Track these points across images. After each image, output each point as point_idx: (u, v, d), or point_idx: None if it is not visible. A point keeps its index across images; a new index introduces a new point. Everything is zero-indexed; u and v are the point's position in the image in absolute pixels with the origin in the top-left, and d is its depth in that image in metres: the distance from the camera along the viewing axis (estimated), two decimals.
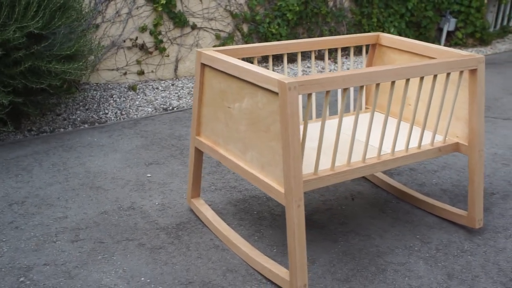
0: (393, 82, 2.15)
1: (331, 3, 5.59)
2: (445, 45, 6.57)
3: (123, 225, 2.54)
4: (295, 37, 5.36)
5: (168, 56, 4.71)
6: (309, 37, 5.44)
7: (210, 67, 2.29)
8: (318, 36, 5.51)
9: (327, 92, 1.98)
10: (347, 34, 5.73)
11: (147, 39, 4.58)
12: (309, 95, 1.96)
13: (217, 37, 4.94)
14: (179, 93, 4.48)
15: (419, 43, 2.62)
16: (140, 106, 4.17)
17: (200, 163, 2.58)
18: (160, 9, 4.47)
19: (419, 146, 2.38)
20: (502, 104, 4.50)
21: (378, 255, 2.37)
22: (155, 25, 4.55)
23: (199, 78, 2.37)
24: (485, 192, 2.96)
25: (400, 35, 6.03)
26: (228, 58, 2.17)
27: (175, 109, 4.17)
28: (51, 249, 2.34)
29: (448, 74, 2.31)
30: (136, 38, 4.51)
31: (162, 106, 4.20)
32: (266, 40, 5.11)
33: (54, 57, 3.30)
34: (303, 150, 2.01)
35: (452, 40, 6.57)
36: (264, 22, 5.14)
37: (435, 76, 2.27)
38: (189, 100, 4.35)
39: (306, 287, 2.02)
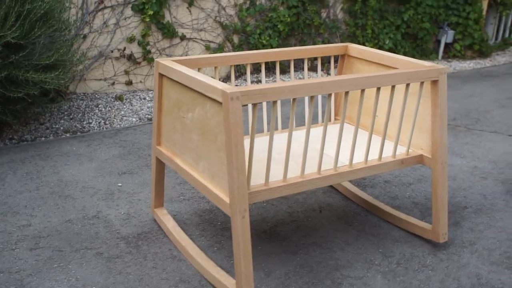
0: (346, 93, 2.13)
1: (324, 14, 5.58)
2: (443, 57, 6.52)
3: (85, 234, 2.54)
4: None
5: None
6: None
7: (167, 77, 2.29)
8: None
9: (274, 102, 1.97)
10: None
11: (135, 50, 4.61)
12: (254, 105, 1.95)
13: (207, 47, 4.95)
14: None
15: (386, 54, 2.60)
16: (125, 116, 4.19)
17: (162, 173, 2.58)
18: (147, 20, 4.50)
19: (380, 157, 2.36)
20: (492, 116, 4.44)
21: (336, 268, 2.34)
22: (143, 36, 4.58)
23: (157, 88, 2.38)
24: (458, 206, 2.91)
25: (395, 47, 6.00)
26: (181, 68, 2.17)
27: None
28: (9, 256, 2.35)
29: (408, 85, 2.29)
30: (124, 49, 4.55)
31: (147, 116, 4.22)
32: None
33: (33, 66, 3.33)
34: (251, 161, 1.99)
35: (450, 52, 6.52)
36: (255, 33, 5.15)
37: (393, 86, 2.25)
38: None
39: None
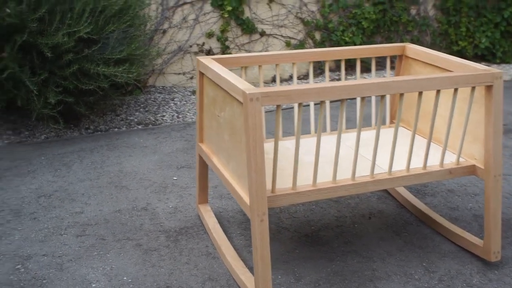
0: (382, 97, 2.03)
1: (414, 11, 5.34)
2: None
3: (130, 224, 2.62)
4: None
5: None
6: None
7: (206, 75, 2.30)
8: None
9: (299, 104, 1.91)
10: (431, 44, 5.45)
11: (214, 45, 4.68)
12: (278, 106, 1.91)
13: (287, 44, 4.92)
14: None
15: (442, 56, 2.44)
16: None
17: (205, 170, 2.59)
18: (226, 15, 4.55)
19: (424, 166, 2.22)
20: None
21: (371, 279, 2.23)
22: (222, 31, 4.64)
23: (199, 86, 2.39)
24: None
25: (493, 46, 5.61)
26: (215, 67, 2.17)
27: None
28: (56, 241, 2.48)
29: (456, 90, 2.13)
30: (203, 44, 4.63)
31: None
32: None
33: (105, 60, 3.48)
34: (275, 164, 1.95)
35: None
36: (338, 30, 5.04)
37: (438, 91, 2.10)
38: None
39: None
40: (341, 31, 5.05)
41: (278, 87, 1.87)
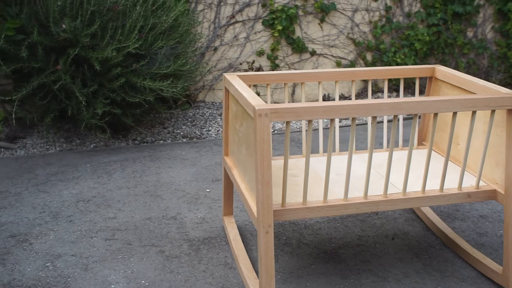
0: (395, 117, 2.04)
1: (470, 34, 5.24)
2: None
3: (157, 232, 2.73)
4: None
5: None
6: None
7: (229, 91, 2.39)
8: (453, 69, 5.21)
9: (309, 121, 1.96)
10: (488, 67, 5.32)
11: (264, 63, 4.79)
12: (287, 123, 1.96)
13: (338, 64, 4.95)
14: None
15: (467, 78, 2.42)
16: None
17: (231, 183, 2.67)
18: (276, 34, 4.65)
19: (441, 188, 2.20)
20: None
21: None
22: (272, 50, 4.74)
23: (224, 101, 2.48)
24: None
25: None
26: (236, 83, 2.25)
27: (276, 131, 4.30)
28: (86, 243, 2.63)
29: (474, 113, 2.11)
30: (253, 62, 4.74)
31: None
32: None
33: (152, 75, 3.65)
34: (285, 179, 2.00)
35: None
36: (389, 51, 5.02)
37: (454, 113, 2.10)
38: (294, 124, 4.45)
39: None
40: (393, 52, 5.02)
41: (286, 104, 1.93)
